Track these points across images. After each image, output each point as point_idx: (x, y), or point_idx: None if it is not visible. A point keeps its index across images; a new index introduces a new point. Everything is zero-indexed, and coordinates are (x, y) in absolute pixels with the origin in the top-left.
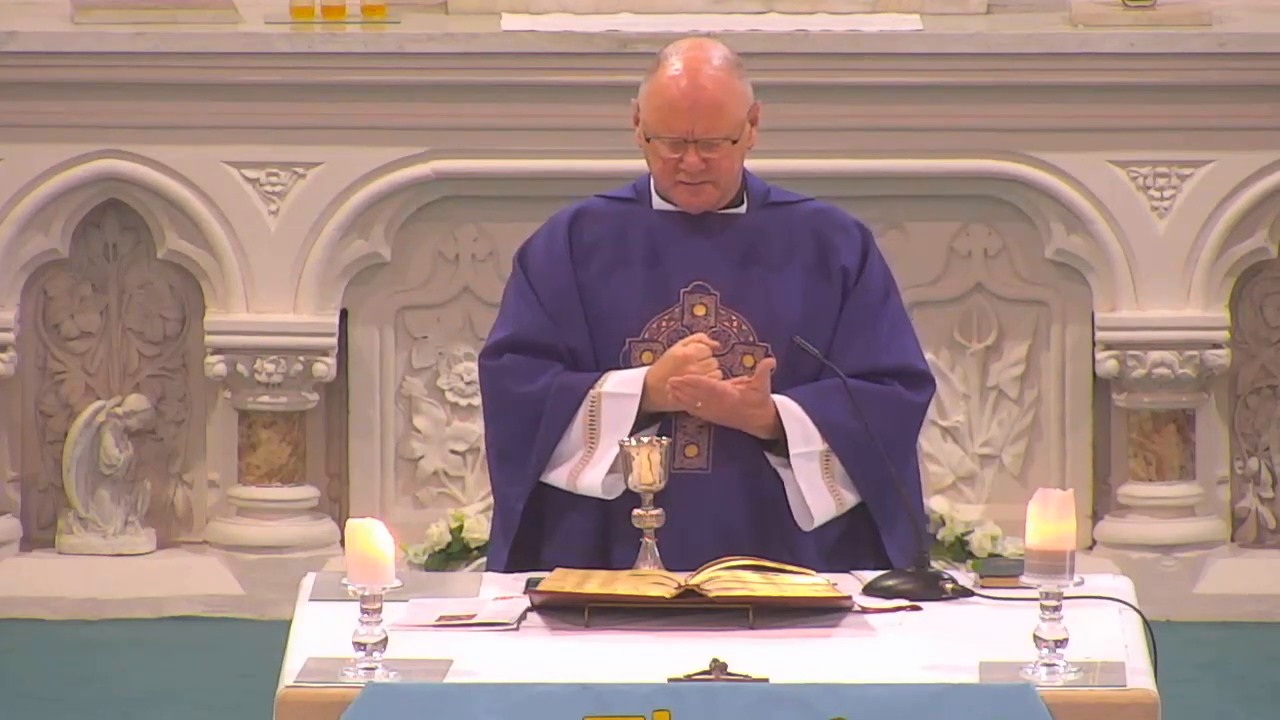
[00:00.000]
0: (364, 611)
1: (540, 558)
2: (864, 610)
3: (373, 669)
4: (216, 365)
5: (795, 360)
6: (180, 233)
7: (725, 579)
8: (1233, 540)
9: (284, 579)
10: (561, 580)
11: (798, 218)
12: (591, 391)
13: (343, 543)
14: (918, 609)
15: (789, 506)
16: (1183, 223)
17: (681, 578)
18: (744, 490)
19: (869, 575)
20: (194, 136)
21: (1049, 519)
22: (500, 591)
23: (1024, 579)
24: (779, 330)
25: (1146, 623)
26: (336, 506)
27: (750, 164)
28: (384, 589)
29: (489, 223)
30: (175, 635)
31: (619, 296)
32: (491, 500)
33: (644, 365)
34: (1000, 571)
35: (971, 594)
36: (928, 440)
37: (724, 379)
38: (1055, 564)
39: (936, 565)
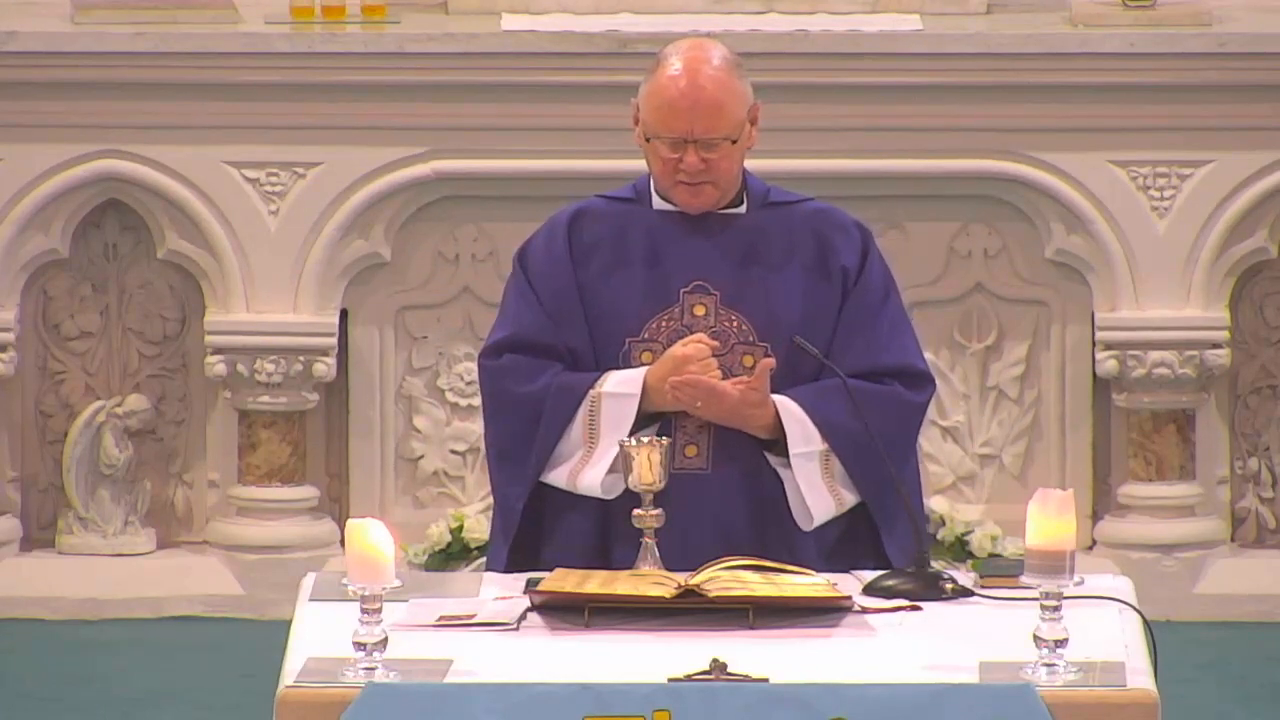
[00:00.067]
0: (364, 611)
1: (540, 558)
2: (864, 610)
3: (373, 669)
4: (216, 365)
5: (795, 360)
6: (180, 233)
7: (725, 579)
8: (1233, 540)
9: (284, 579)
10: (561, 580)
11: (798, 218)
12: (591, 391)
13: (343, 543)
14: (918, 609)
15: (789, 506)
16: (1183, 223)
17: (681, 578)
18: (744, 490)
19: (869, 575)
20: (194, 136)
21: (1049, 519)
22: (500, 591)
23: (1024, 579)
24: (779, 330)
25: (1146, 623)
26: (336, 506)
27: (750, 164)
28: (384, 589)
29: (489, 223)
30: (175, 635)
31: (619, 296)
32: (491, 500)
33: (644, 365)
34: (1000, 571)
35: (971, 594)
36: (928, 440)
37: (724, 379)
38: (1055, 564)
39: (936, 565)
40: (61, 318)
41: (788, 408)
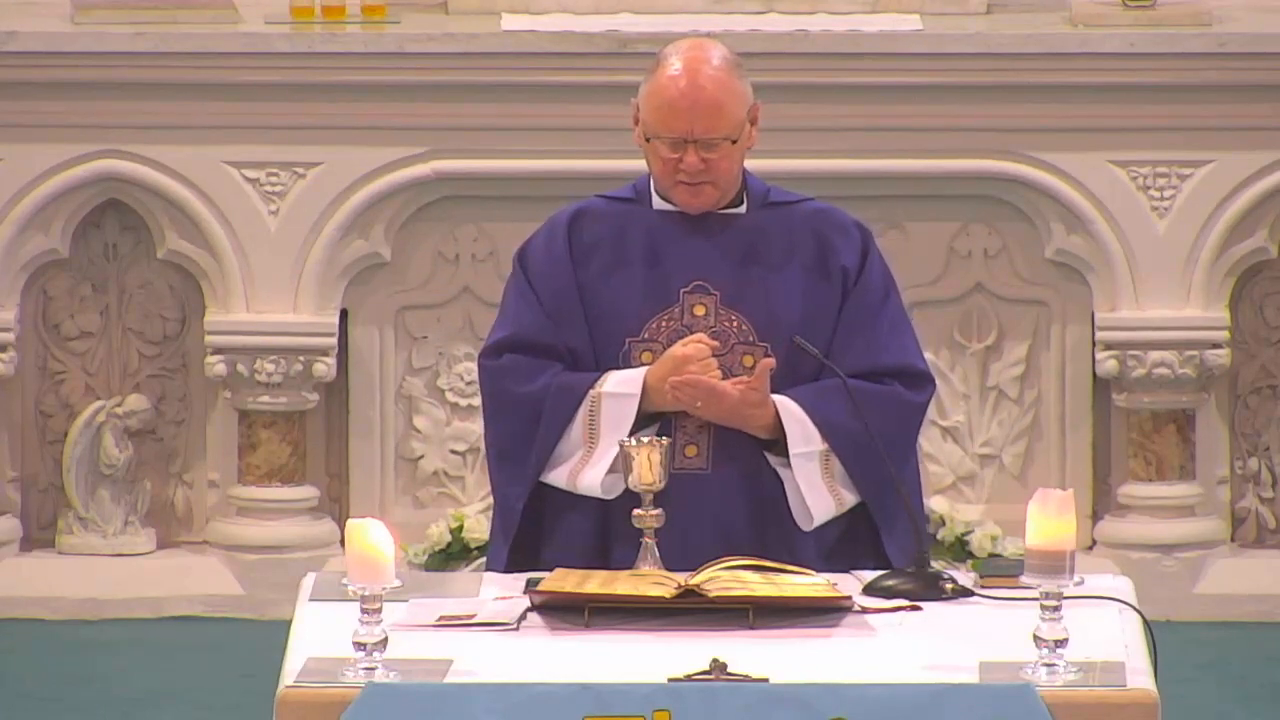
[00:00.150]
0: (364, 611)
1: (540, 558)
2: (864, 610)
3: (373, 669)
4: (216, 365)
5: (795, 360)
6: (180, 233)
7: (725, 579)
8: (1233, 540)
9: (284, 579)
10: (561, 580)
11: (797, 218)
12: (591, 391)
13: (343, 543)
14: (918, 609)
15: (789, 506)
16: (1183, 223)
17: (681, 578)
18: (744, 490)
19: (869, 575)
20: (194, 136)
21: (1049, 519)
22: (500, 591)
23: (1024, 579)
24: (779, 330)
25: (1146, 623)
26: (336, 506)
27: (750, 164)
28: (384, 589)
29: (489, 223)
30: (175, 635)
31: (619, 296)
32: (491, 500)
33: (644, 365)
34: (1000, 571)
35: (971, 594)
36: (928, 440)
37: (724, 379)
38: (1055, 564)
39: (936, 565)
40: (61, 318)
41: (788, 408)
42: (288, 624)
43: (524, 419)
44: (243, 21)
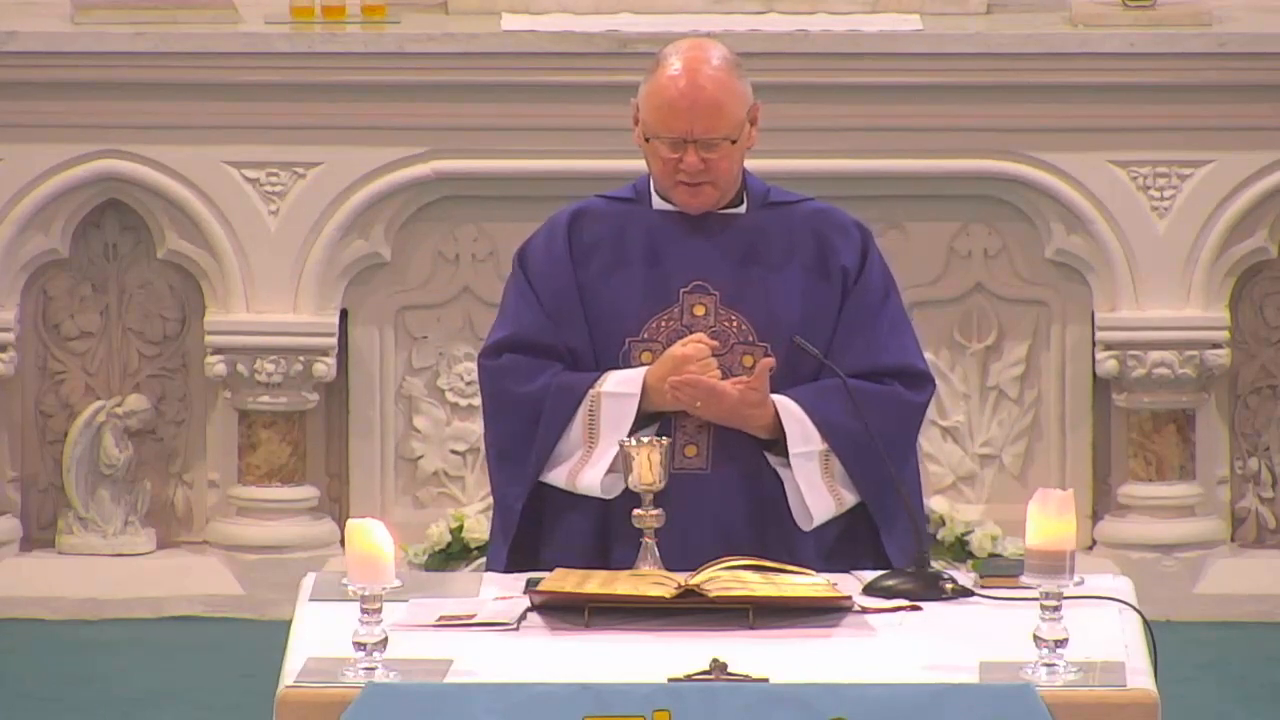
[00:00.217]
0: (364, 611)
1: (540, 558)
2: (864, 610)
3: (373, 669)
4: (216, 365)
5: (795, 360)
6: (180, 233)
7: (725, 579)
8: (1233, 540)
9: (284, 579)
10: (561, 580)
11: (797, 218)
12: (591, 391)
13: (343, 543)
14: (918, 609)
15: (789, 506)
16: (1183, 223)
17: (681, 578)
18: (744, 490)
19: (869, 575)
20: (194, 136)
21: (1049, 519)
22: (500, 591)
23: (1024, 579)
24: (778, 330)
25: (1146, 623)
26: (336, 506)
27: (750, 164)
28: (384, 589)
29: (489, 223)
30: (175, 635)
31: (619, 296)
32: (491, 500)
33: (643, 365)
34: (1000, 571)
35: (971, 594)
36: (928, 440)
37: (723, 379)
38: (1055, 564)
39: (936, 565)
40: (61, 318)
41: (787, 408)
42: (288, 624)
43: (524, 419)
44: (243, 21)
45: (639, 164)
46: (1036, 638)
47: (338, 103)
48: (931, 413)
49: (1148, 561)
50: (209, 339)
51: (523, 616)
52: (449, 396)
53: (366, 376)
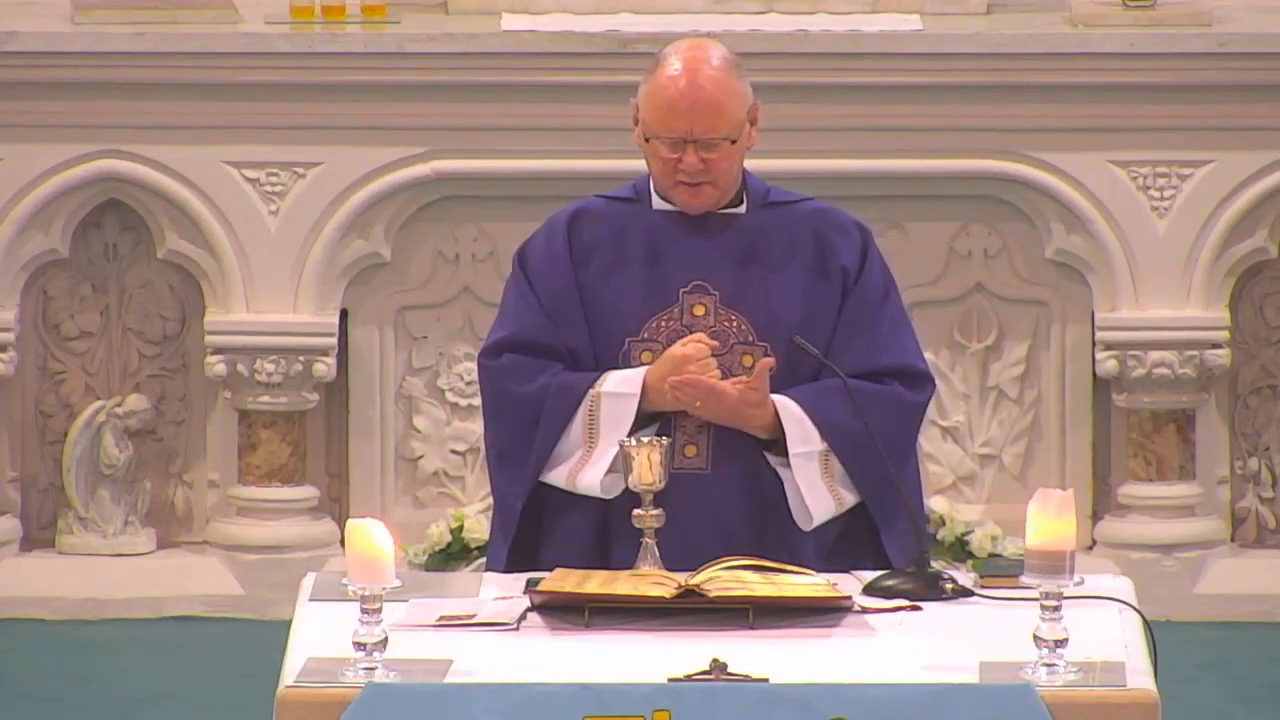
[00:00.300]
0: (364, 611)
1: (540, 558)
2: (864, 610)
3: (373, 669)
4: (216, 365)
5: (795, 360)
6: (180, 233)
7: (725, 579)
8: (1233, 540)
9: (284, 579)
10: (561, 580)
11: (797, 218)
12: (591, 391)
13: (343, 543)
14: (918, 609)
15: (788, 506)
16: (1183, 223)
17: (681, 578)
18: (743, 490)
19: (869, 575)
20: (194, 136)
21: (1049, 519)
22: (500, 591)
23: (1024, 579)
24: (778, 330)
25: (1146, 623)
26: (336, 506)
27: (750, 164)
28: (384, 589)
29: (489, 223)
30: (175, 635)
31: (618, 296)
32: (491, 500)
33: (643, 365)
34: (1000, 571)
35: (971, 594)
36: (928, 440)
37: (723, 379)
38: (1055, 564)
39: (936, 565)
40: (61, 318)
41: (787, 407)
42: (288, 624)
43: (524, 419)
44: (243, 21)
45: (639, 164)
46: (1036, 638)
47: (338, 103)
48: (931, 413)
49: (1148, 561)
50: (209, 339)
51: (523, 616)
52: (449, 396)
53: (366, 376)
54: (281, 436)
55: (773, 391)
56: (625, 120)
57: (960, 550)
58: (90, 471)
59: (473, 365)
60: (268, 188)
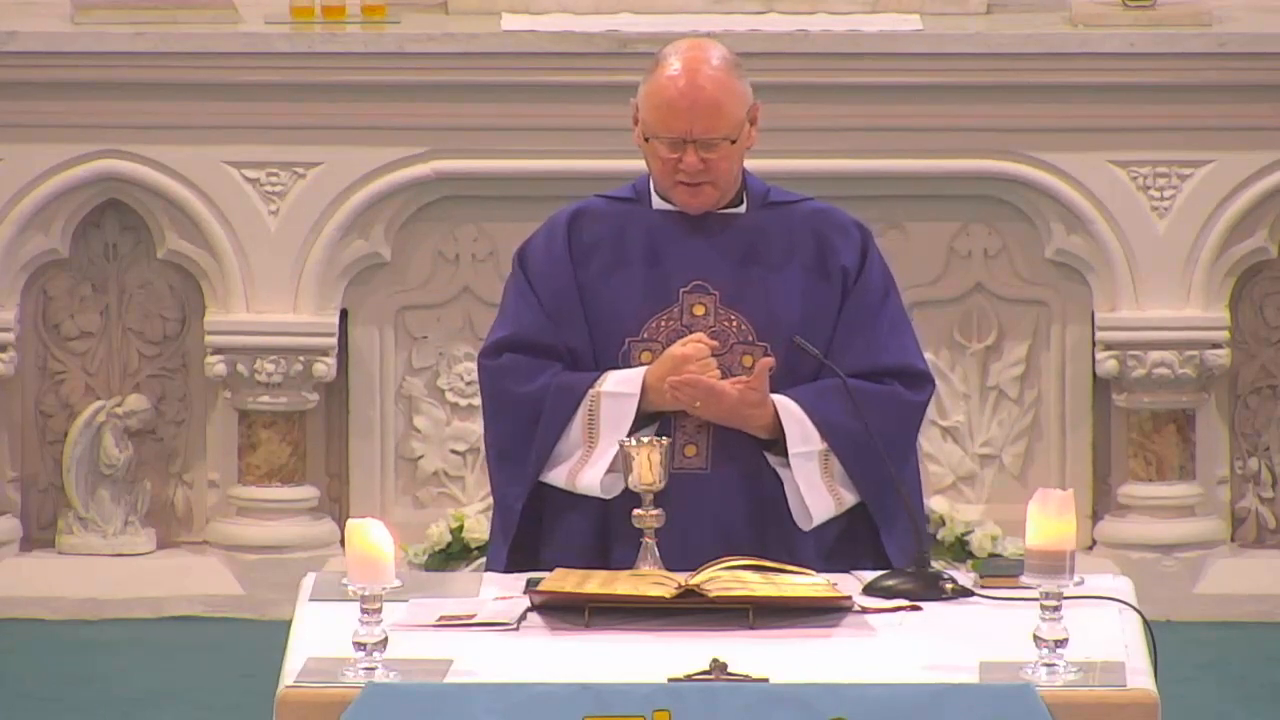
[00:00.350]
0: (364, 611)
1: (540, 558)
2: (864, 610)
3: (373, 669)
4: (216, 365)
5: (794, 360)
6: (180, 233)
7: (725, 579)
8: (1233, 540)
9: (284, 579)
10: (561, 580)
11: (797, 218)
12: (590, 391)
13: (343, 543)
14: (918, 609)
15: (788, 506)
16: (1183, 223)
17: (681, 578)
18: (743, 490)
19: (869, 575)
20: (194, 136)
21: (1049, 519)
22: (500, 591)
23: (1024, 579)
24: (778, 330)
25: (1146, 623)
26: (336, 506)
27: (750, 164)
28: (384, 589)
29: (489, 223)
30: (175, 635)
31: (618, 296)
32: (491, 500)
33: (643, 365)
34: (1000, 571)
35: (971, 594)
36: (928, 440)
37: (723, 378)
38: (1055, 564)
39: (936, 565)
40: (61, 318)
41: (787, 407)
42: (288, 624)
43: (523, 419)
44: (243, 21)
45: (639, 164)
46: (1036, 638)
47: (338, 103)
48: (931, 413)
49: (1148, 561)
50: (209, 339)
51: (523, 616)
52: (449, 396)
53: (366, 376)
54: (281, 436)
55: (773, 391)
56: (625, 120)
57: (960, 550)
58: (90, 471)
59: (473, 365)
60: (268, 188)
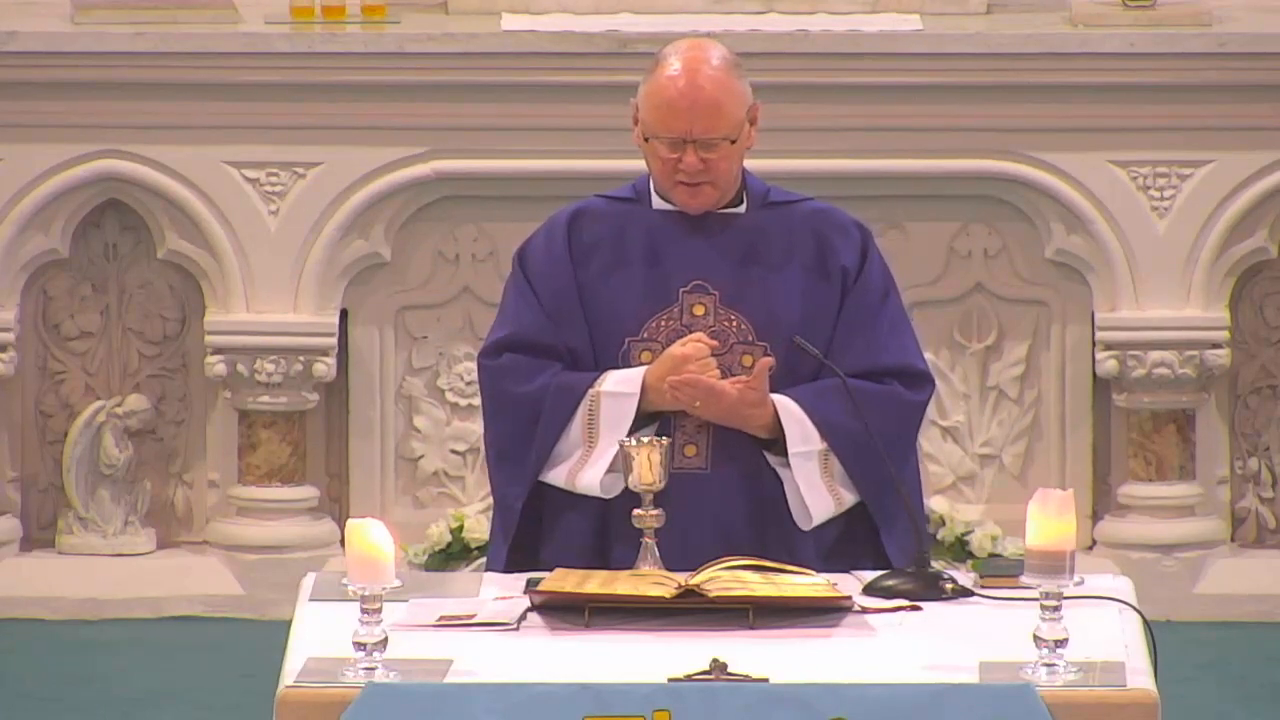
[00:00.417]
0: (364, 611)
1: (539, 558)
2: (864, 610)
3: (373, 669)
4: (216, 365)
5: (794, 360)
6: (180, 233)
7: (725, 579)
8: (1233, 540)
9: (284, 579)
10: (561, 580)
11: (797, 217)
12: (590, 391)
13: (343, 543)
14: (918, 609)
15: (788, 506)
16: (1183, 223)
17: (681, 578)
18: (743, 490)
19: (869, 575)
20: (194, 136)
21: (1049, 519)
22: (500, 591)
23: (1024, 579)
24: (778, 330)
25: (1146, 623)
26: (336, 506)
27: (750, 164)
28: (384, 589)
29: (489, 223)
30: (175, 635)
31: (618, 296)
32: (491, 500)
33: (643, 365)
34: (1000, 571)
35: (971, 594)
36: (928, 440)
37: (723, 378)
38: (1055, 564)
39: (936, 565)
40: (61, 318)
41: (787, 407)
42: (288, 624)
43: (523, 419)
44: (243, 21)
45: (639, 164)
46: (1036, 638)
47: (338, 103)
48: (931, 413)
49: (1148, 561)
50: (209, 339)
51: (523, 616)
52: (449, 396)
53: (366, 376)
54: (281, 436)
55: (772, 391)
56: (625, 120)
57: (960, 550)
58: (90, 471)
59: (473, 365)
60: (268, 188)
